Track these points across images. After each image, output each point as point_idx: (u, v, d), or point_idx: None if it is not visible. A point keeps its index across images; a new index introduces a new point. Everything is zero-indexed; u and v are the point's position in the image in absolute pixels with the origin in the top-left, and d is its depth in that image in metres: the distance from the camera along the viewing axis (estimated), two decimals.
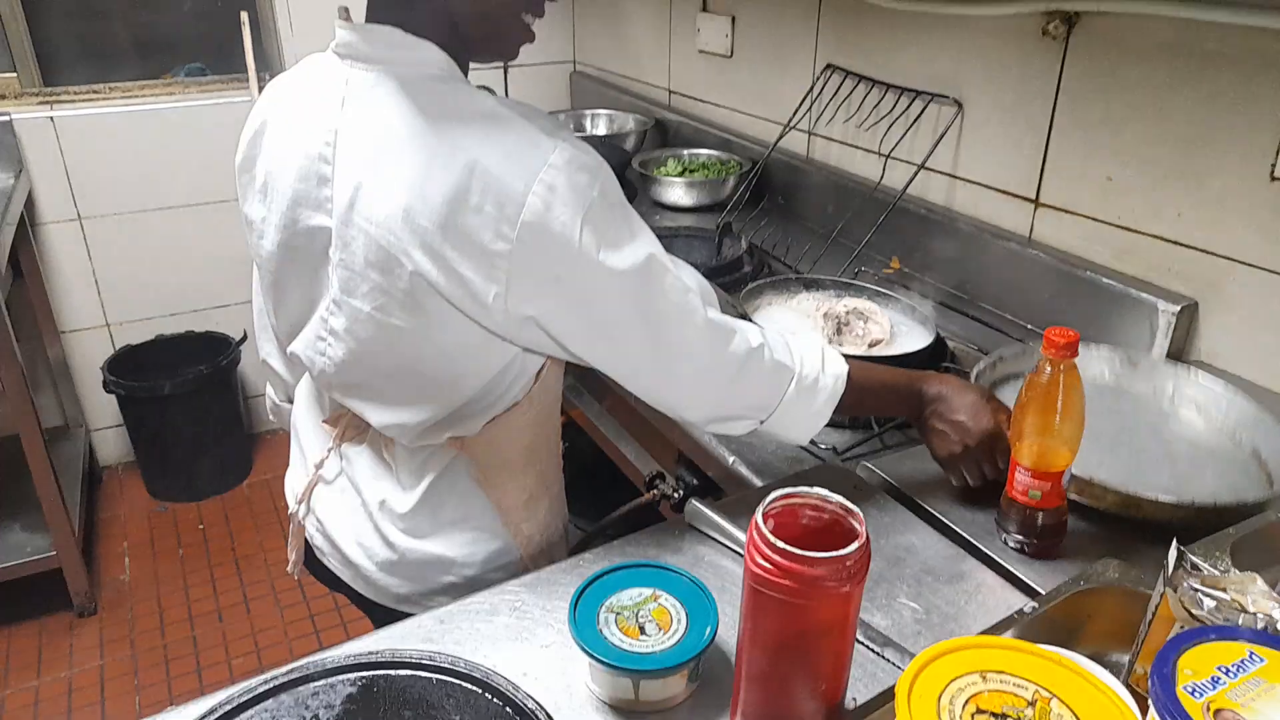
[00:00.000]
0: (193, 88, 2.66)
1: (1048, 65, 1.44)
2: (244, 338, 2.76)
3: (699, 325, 0.89)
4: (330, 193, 0.89)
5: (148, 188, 2.62)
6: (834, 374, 0.97)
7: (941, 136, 1.63)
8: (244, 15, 2.59)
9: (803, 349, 0.97)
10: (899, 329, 1.39)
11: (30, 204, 2.48)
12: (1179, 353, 1.32)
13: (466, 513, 1.04)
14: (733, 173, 2.12)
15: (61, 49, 2.58)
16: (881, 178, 1.77)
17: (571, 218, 0.81)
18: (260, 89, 2.63)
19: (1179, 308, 1.29)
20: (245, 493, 2.79)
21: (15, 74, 2.49)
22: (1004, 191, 1.57)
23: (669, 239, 1.92)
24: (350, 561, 1.07)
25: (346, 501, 1.07)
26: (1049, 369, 0.87)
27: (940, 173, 1.69)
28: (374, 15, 0.89)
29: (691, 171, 2.18)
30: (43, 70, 2.53)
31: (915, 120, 1.68)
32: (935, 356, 1.33)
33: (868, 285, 1.47)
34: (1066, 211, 1.47)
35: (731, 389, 0.92)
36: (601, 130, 2.63)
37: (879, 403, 1.04)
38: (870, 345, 1.33)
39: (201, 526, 2.63)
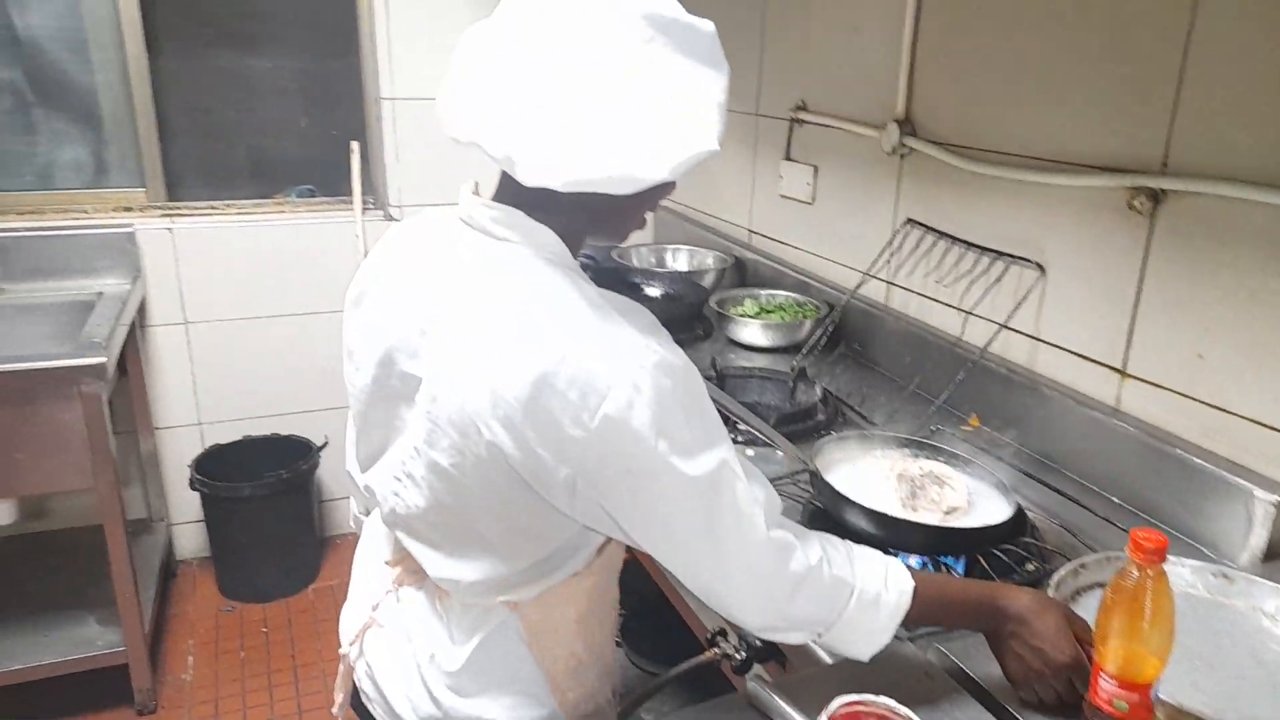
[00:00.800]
0: (301, 208, 2.83)
1: (1133, 239, 1.44)
2: (324, 444, 2.85)
3: (759, 541, 0.89)
4: (428, 345, 0.93)
5: (250, 297, 2.77)
6: (898, 590, 0.94)
7: (1024, 299, 1.63)
8: (354, 145, 2.78)
9: (866, 564, 0.95)
10: (976, 495, 1.36)
11: (143, 308, 2.64)
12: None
13: (514, 675, 1.03)
14: (810, 316, 2.14)
15: (187, 168, 2.79)
16: (962, 333, 1.76)
17: (651, 419, 0.82)
18: (364, 212, 2.80)
19: (1278, 498, 1.23)
20: (310, 598, 2.82)
21: (145, 189, 2.69)
22: (1089, 359, 1.55)
23: (743, 380, 1.94)
24: (395, 713, 1.07)
25: (397, 650, 1.07)
26: (1135, 573, 0.84)
27: (1022, 333, 1.68)
28: (502, 195, 0.95)
29: (768, 312, 2.21)
30: (168, 186, 2.73)
31: (997, 280, 1.68)
32: (1015, 530, 1.29)
33: (944, 446, 1.44)
34: (1155, 385, 1.44)
35: (788, 604, 0.91)
36: (682, 266, 2.70)
37: (950, 618, 1.01)
38: (946, 513, 1.31)
39: (265, 630, 2.66)
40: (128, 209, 2.66)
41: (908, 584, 0.95)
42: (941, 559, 1.27)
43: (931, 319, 1.90)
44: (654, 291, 2.42)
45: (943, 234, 1.84)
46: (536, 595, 0.99)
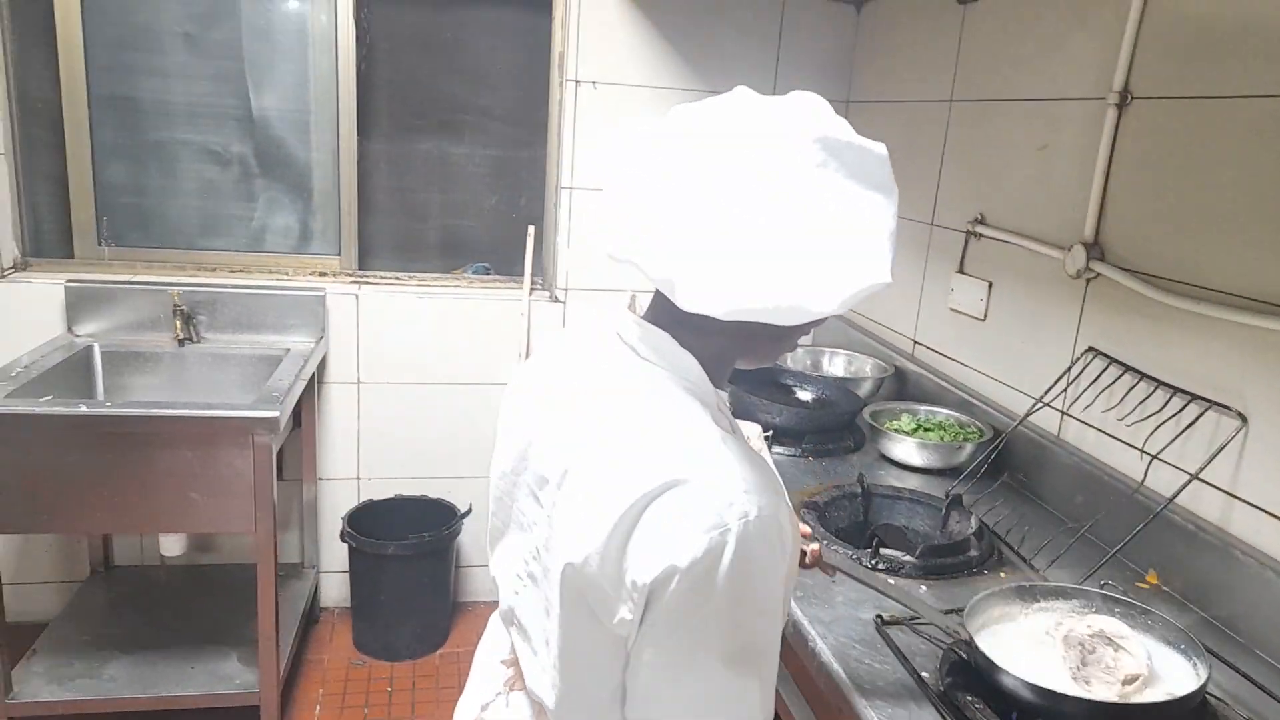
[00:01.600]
0: (475, 283, 2.97)
1: None
2: (468, 511, 2.92)
3: None
4: (559, 446, 0.93)
5: (419, 363, 2.91)
6: None
7: (1221, 449, 1.46)
8: (531, 228, 2.91)
9: None
10: (1156, 659, 1.19)
11: (323, 365, 2.83)
12: None
13: None
14: (972, 439, 2.01)
15: (381, 240, 3.01)
16: (1144, 479, 1.60)
17: (725, 588, 0.79)
18: (531, 292, 2.91)
19: None
20: (436, 662, 2.85)
21: (339, 257, 2.91)
22: None
23: (891, 500, 1.83)
24: None
25: None
26: None
27: (1215, 487, 1.50)
28: (655, 312, 0.95)
29: (926, 430, 2.10)
30: (361, 256, 2.94)
31: (1189, 426, 1.52)
32: (1199, 714, 1.12)
33: (1119, 596, 1.28)
34: None
35: None
36: (839, 371, 2.62)
37: None
38: (1125, 683, 1.14)
39: (390, 689, 2.70)
40: (323, 274, 2.88)
41: None
42: None
43: (1110, 458, 1.74)
44: (806, 396, 2.36)
45: (1129, 367, 1.69)
46: None
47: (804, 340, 2.95)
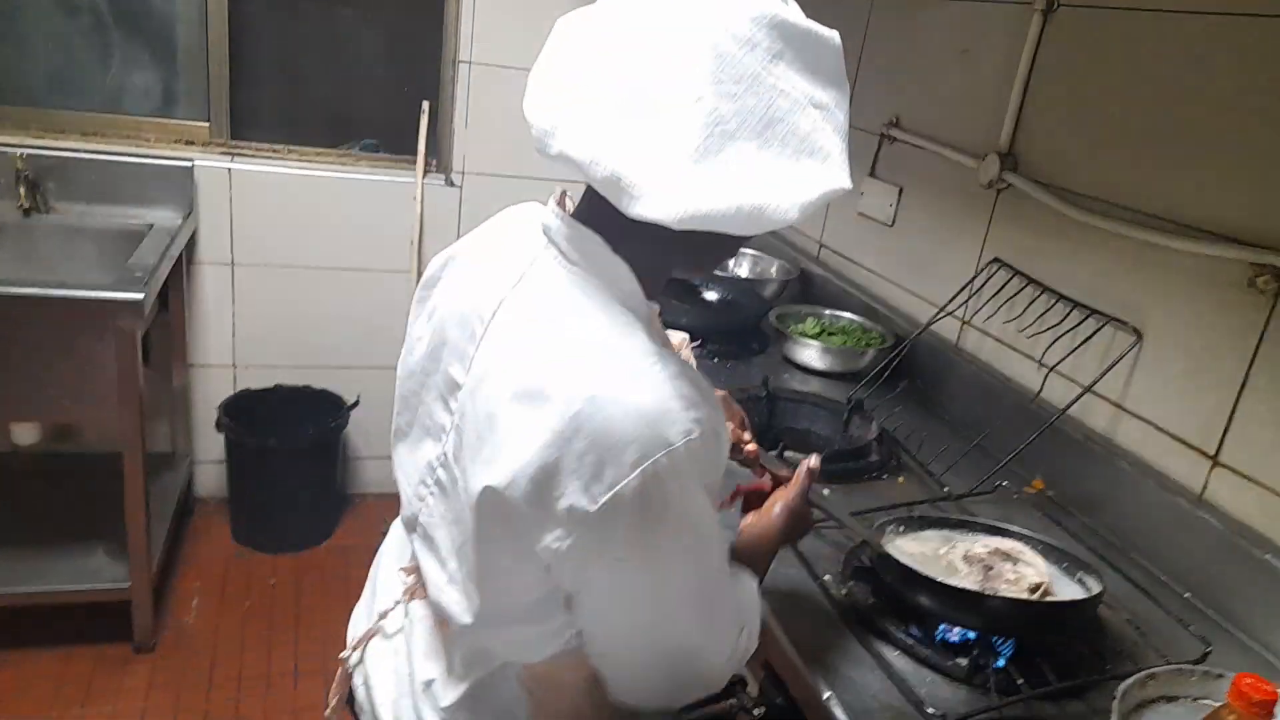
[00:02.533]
0: (363, 161, 2.77)
1: (1250, 319, 1.30)
2: (355, 402, 2.80)
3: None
4: (474, 353, 0.86)
5: (300, 245, 2.72)
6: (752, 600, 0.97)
7: (1114, 364, 1.50)
8: (425, 104, 2.70)
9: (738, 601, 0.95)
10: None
11: (191, 244, 2.60)
12: None
13: (519, 709, 0.95)
14: (874, 345, 2.03)
15: (256, 110, 2.73)
16: (1040, 390, 1.64)
17: (661, 512, 0.77)
18: (425, 174, 2.73)
19: None
20: (321, 555, 2.78)
21: (208, 123, 2.64)
22: (1177, 438, 1.42)
23: (795, 404, 1.83)
24: None
25: (396, 667, 1.00)
26: None
27: (1106, 399, 1.55)
28: (583, 213, 0.86)
29: (830, 335, 2.10)
30: (234, 125, 2.67)
31: (1086, 340, 1.56)
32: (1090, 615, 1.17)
33: (1011, 528, 1.31)
34: (1249, 479, 1.31)
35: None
36: (744, 272, 2.58)
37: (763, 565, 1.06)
38: (1030, 592, 1.17)
39: (272, 582, 2.62)
40: (189, 142, 2.62)
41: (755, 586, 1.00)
42: (996, 640, 1.16)
43: (1009, 369, 1.78)
44: (711, 296, 2.32)
45: (1032, 279, 1.71)
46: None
47: None
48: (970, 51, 1.92)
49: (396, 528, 1.10)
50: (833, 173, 0.77)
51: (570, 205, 0.88)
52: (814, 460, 1.11)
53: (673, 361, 0.80)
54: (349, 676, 1.07)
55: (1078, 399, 1.54)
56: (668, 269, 0.89)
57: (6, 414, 2.25)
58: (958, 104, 1.96)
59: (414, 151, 2.73)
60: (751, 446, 1.20)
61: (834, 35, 0.79)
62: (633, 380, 0.77)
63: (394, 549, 1.08)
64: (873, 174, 2.24)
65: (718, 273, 2.47)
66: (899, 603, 1.18)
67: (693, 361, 1.19)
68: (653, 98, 0.72)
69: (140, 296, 1.88)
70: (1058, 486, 1.58)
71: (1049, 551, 1.26)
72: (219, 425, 2.62)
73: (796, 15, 0.77)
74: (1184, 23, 1.42)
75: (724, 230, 0.75)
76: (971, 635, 1.15)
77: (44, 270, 2.36)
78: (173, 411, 2.75)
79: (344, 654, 1.07)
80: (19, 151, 2.33)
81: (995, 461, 1.59)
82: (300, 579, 2.66)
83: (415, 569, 1.00)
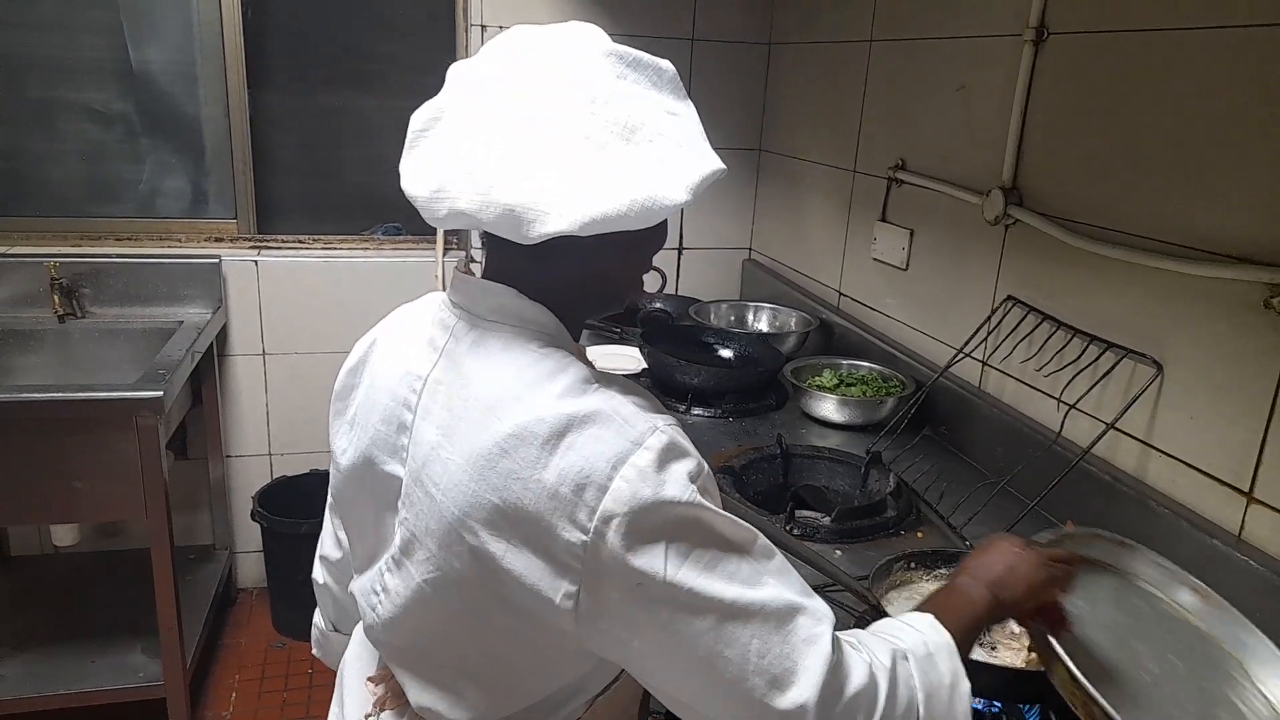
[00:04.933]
0: (386, 244, 2.82)
1: (1269, 342, 1.22)
2: None
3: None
4: (408, 443, 0.83)
5: (328, 331, 2.76)
6: (950, 669, 0.81)
7: (1136, 398, 1.42)
8: None
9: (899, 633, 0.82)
10: None
11: (223, 336, 2.67)
12: None
13: None
14: (894, 393, 1.96)
15: (282, 202, 2.81)
16: (1061, 429, 1.56)
17: (661, 505, 0.72)
18: (445, 253, 2.77)
19: None
20: None
21: (235, 220, 2.73)
22: (1209, 475, 1.33)
23: (810, 460, 1.77)
24: None
25: None
26: None
27: (1132, 436, 1.46)
28: (493, 271, 0.86)
29: (849, 386, 2.04)
30: (261, 219, 2.76)
31: (1106, 374, 1.48)
32: None
33: None
34: None
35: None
36: (763, 326, 2.55)
37: (968, 635, 0.87)
38: (1031, 650, 1.11)
39: (311, 672, 2.61)
40: (218, 239, 2.70)
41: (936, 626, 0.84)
42: (1023, 708, 1.08)
43: (1031, 409, 1.70)
44: (726, 353, 2.28)
45: (1047, 315, 1.64)
46: None
47: (730, 292, 2.88)
48: (966, 87, 1.88)
49: (358, 636, 1.07)
50: (706, 157, 0.81)
51: (477, 272, 0.88)
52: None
53: (616, 380, 0.81)
54: None
55: (1100, 437, 1.45)
56: (581, 309, 0.89)
57: (45, 517, 2.30)
58: (959, 141, 1.92)
59: (434, 231, 2.78)
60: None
61: (666, 62, 0.84)
62: (583, 405, 0.76)
63: (359, 658, 1.05)
64: (884, 218, 2.20)
65: (736, 329, 2.43)
66: None
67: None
68: (522, 136, 0.77)
69: (159, 394, 1.92)
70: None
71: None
72: (254, 515, 2.65)
73: (631, 50, 0.83)
74: (1180, 40, 1.37)
75: (624, 227, 0.76)
76: (996, 706, 1.07)
77: (80, 373, 2.44)
78: (212, 503, 2.80)
79: None
80: (53, 261, 2.43)
81: (1021, 507, 1.51)
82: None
83: (383, 677, 0.97)
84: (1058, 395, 1.58)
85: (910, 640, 0.81)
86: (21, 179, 2.63)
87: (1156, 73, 1.41)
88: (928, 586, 1.25)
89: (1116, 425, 1.45)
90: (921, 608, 0.88)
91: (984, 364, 1.82)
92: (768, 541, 0.78)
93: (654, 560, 0.72)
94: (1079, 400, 1.51)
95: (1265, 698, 0.99)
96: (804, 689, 0.72)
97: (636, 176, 0.76)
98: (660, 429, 0.75)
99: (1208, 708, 0.96)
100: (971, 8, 1.86)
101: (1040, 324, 1.65)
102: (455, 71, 0.85)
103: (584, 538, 0.72)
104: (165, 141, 2.71)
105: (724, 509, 0.76)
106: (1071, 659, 0.87)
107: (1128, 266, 1.45)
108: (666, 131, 0.79)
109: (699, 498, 0.74)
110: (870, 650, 0.78)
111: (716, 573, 0.73)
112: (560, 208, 0.74)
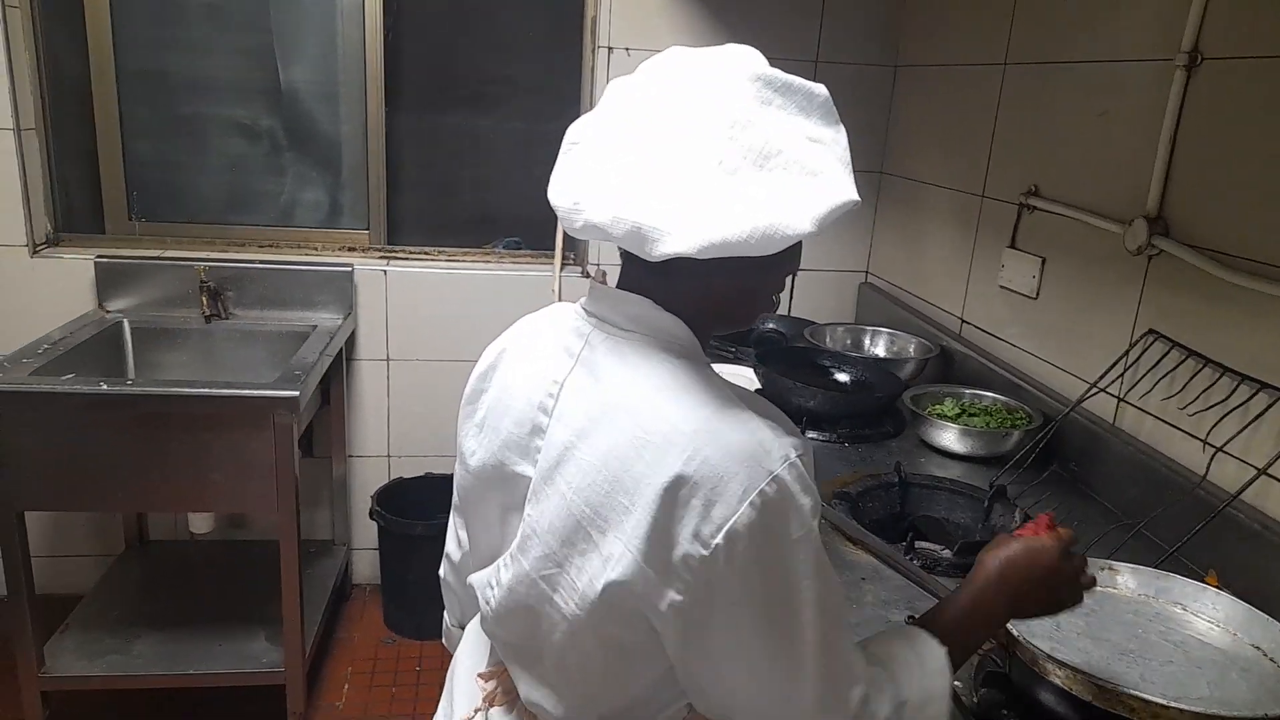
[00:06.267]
0: (506, 258, 2.91)
1: None
2: None
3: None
4: (541, 444, 0.85)
5: (449, 340, 2.86)
6: (937, 672, 0.87)
7: None
8: None
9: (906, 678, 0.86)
10: None
11: (351, 341, 2.79)
12: None
13: None
14: (1020, 426, 1.89)
15: (411, 215, 2.94)
16: (1206, 472, 1.47)
17: (777, 547, 0.74)
18: (562, 267, 2.83)
19: None
20: None
21: (368, 231, 2.86)
22: None
23: (930, 490, 1.73)
24: None
25: None
26: None
27: None
28: (627, 282, 0.88)
29: (972, 416, 1.98)
30: (391, 231, 2.89)
31: (1258, 417, 1.39)
32: None
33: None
34: None
35: None
36: (880, 351, 2.50)
37: (977, 637, 0.95)
38: None
39: (419, 669, 2.68)
40: (351, 249, 2.84)
41: (938, 653, 0.88)
42: None
43: (1171, 449, 1.61)
44: (843, 378, 2.25)
45: (1192, 352, 1.56)
46: None
47: (845, 315, 2.84)
48: (1109, 113, 1.81)
49: (472, 631, 1.10)
50: (838, 187, 0.80)
51: (610, 284, 0.91)
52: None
53: (750, 396, 0.83)
54: None
55: (1251, 482, 1.37)
56: (707, 323, 0.90)
57: (184, 504, 2.44)
58: (1099, 168, 1.85)
59: (553, 247, 2.85)
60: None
61: (819, 86, 0.84)
62: (720, 419, 0.78)
63: (470, 653, 1.08)
64: (1013, 245, 2.14)
65: (852, 353, 2.40)
66: (1039, 714, 1.06)
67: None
68: (658, 155, 0.79)
69: (295, 394, 2.03)
70: (1234, 582, 1.40)
71: None
72: (372, 514, 2.75)
73: (783, 74, 0.83)
74: None
75: (744, 254, 0.77)
76: None
77: (222, 371, 2.59)
78: (333, 500, 2.92)
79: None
80: (202, 265, 2.60)
81: (1159, 552, 1.43)
82: (445, 664, 2.69)
83: (494, 674, 1.00)
84: (1203, 437, 1.49)
85: (910, 689, 0.85)
86: (175, 188, 2.83)
87: None
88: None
89: (1269, 471, 1.36)
90: (940, 620, 0.92)
91: (1120, 400, 1.74)
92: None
93: (761, 585, 0.76)
94: (1227, 443, 1.43)
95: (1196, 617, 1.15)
96: None
97: (762, 204, 0.77)
98: (793, 460, 0.77)
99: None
100: (1115, 32, 1.79)
101: (1184, 360, 1.57)
102: (612, 88, 0.88)
103: (704, 553, 0.74)
104: (306, 156, 2.87)
105: (849, 535, 0.81)
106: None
107: None
108: (804, 159, 0.80)
109: (815, 534, 0.78)
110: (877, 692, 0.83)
111: (815, 606, 0.78)
112: (681, 229, 0.76)
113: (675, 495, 0.75)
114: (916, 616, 1.25)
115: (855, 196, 0.81)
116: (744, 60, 0.83)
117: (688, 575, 0.75)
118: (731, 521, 0.74)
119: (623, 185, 0.80)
